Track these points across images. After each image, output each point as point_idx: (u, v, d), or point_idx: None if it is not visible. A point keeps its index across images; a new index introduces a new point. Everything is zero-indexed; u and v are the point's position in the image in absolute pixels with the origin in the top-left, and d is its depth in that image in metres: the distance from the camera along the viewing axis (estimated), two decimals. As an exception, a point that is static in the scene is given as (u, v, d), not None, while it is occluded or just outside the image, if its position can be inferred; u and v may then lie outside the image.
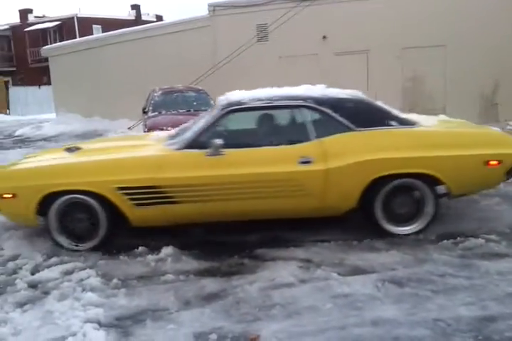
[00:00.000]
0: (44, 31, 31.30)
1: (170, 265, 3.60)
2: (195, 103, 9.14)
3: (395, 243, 3.82)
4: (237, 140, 4.02)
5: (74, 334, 2.64)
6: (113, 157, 4.10)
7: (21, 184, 3.88)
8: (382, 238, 3.92)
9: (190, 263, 3.62)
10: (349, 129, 3.91)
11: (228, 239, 4.17)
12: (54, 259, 3.77)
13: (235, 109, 4.03)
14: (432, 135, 4.07)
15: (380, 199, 3.89)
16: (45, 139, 11.77)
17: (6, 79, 25.52)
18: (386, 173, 3.81)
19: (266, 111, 4.21)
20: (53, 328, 2.74)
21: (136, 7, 35.40)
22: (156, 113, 8.75)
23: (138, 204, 3.86)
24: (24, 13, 33.48)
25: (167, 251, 3.80)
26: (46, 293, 3.20)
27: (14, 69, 32.35)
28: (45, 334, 2.69)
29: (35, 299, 3.12)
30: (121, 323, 2.81)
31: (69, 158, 4.23)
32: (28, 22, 32.63)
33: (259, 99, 4.07)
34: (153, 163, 3.88)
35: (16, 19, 33.82)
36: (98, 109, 13.41)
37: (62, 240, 3.96)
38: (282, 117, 4.27)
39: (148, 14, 37.01)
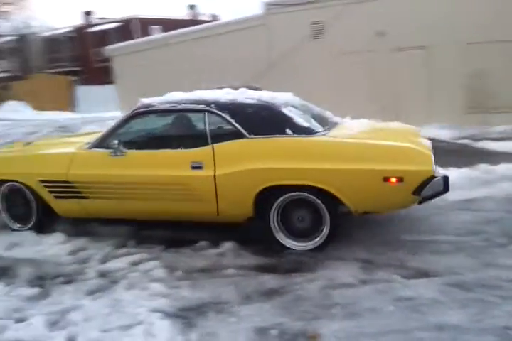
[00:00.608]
0: (106, 32, 32.63)
1: (230, 259, 3.67)
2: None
3: (459, 246, 3.71)
4: (138, 142, 4.21)
5: (141, 323, 2.76)
6: (39, 152, 4.62)
7: None
8: (447, 240, 3.81)
9: (250, 259, 3.67)
10: (242, 136, 3.77)
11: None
12: (121, 250, 3.97)
13: (142, 111, 4.13)
14: (326, 145, 3.70)
15: (276, 211, 3.75)
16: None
17: (72, 78, 26.79)
18: (272, 184, 3.64)
19: (171, 114, 4.32)
20: (121, 316, 2.88)
21: (192, 7, 36.15)
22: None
23: (56, 197, 4.28)
24: (87, 15, 35.04)
25: (227, 245, 3.88)
26: (115, 282, 3.36)
27: (79, 68, 33.92)
28: (114, 321, 2.83)
29: (104, 288, 3.29)
30: (185, 314, 2.91)
31: (15, 152, 4.88)
32: (91, 23, 34.11)
33: (167, 103, 4.14)
34: (66, 159, 4.22)
35: (79, 21, 35.46)
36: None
37: (8, 220, 4.56)
38: (185, 121, 4.35)
39: (204, 14, 37.72)
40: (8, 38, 34.22)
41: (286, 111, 3.93)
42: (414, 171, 3.45)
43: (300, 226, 3.78)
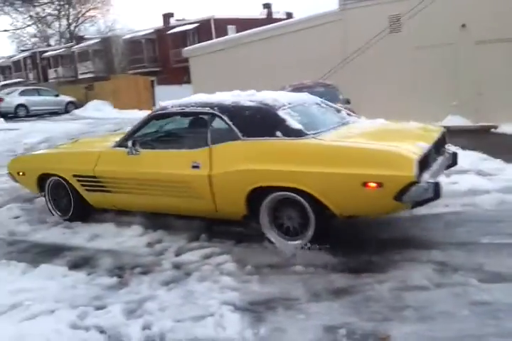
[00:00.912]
0: (184, 33, 33.72)
1: (300, 257, 3.67)
2: (323, 98, 9.13)
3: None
4: (151, 142, 4.55)
5: (212, 315, 2.85)
6: (75, 150, 5.33)
7: (27, 166, 5.29)
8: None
9: (320, 257, 3.65)
10: (237, 138, 3.92)
11: (359, 236, 4.13)
12: (194, 244, 4.10)
13: (157, 114, 4.55)
14: (309, 148, 3.72)
15: (265, 210, 3.87)
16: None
17: (151, 78, 28.00)
18: (261, 185, 3.75)
19: (180, 116, 4.68)
20: (193, 307, 2.99)
21: (267, 6, 36.37)
22: (286, 109, 8.94)
23: (87, 190, 4.75)
24: (167, 17, 36.42)
25: (297, 243, 3.88)
26: (188, 274, 3.48)
27: (158, 69, 35.37)
28: (186, 312, 2.94)
29: (178, 279, 3.42)
30: (255, 308, 2.96)
31: (60, 149, 5.66)
32: (170, 25, 35.39)
33: (180, 105, 4.41)
34: (95, 157, 4.65)
35: (159, 23, 36.92)
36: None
37: (51, 209, 5.14)
38: (191, 123, 4.86)
39: (279, 12, 37.79)
40: (93, 41, 36.46)
41: (281, 113, 3.99)
42: (393, 176, 3.35)
43: (289, 225, 3.86)
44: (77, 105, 24.46)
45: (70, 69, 40.28)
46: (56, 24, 45.80)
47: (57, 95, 23.37)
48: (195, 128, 4.63)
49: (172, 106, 4.46)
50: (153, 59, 36.35)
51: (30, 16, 33.88)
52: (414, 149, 3.55)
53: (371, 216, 4.04)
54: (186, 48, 18.08)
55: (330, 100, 8.91)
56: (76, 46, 38.72)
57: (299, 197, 3.70)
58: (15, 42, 49.17)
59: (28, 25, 37.17)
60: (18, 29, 31.75)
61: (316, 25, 11.84)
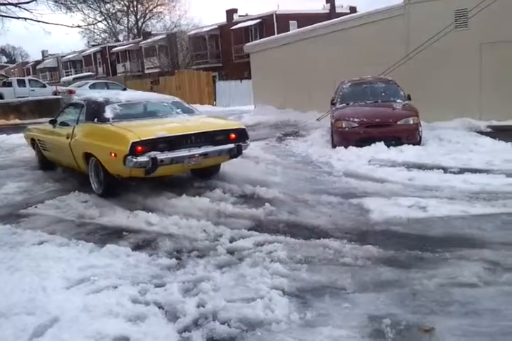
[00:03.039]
0: (246, 29, 34.03)
1: (349, 250, 3.76)
2: (383, 94, 9.06)
3: None
4: (61, 121, 6.94)
5: (262, 298, 3.01)
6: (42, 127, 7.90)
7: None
8: None
9: (369, 251, 3.73)
10: (83, 121, 6.18)
11: (411, 231, 4.15)
12: (248, 231, 4.29)
13: (68, 103, 7.62)
14: (99, 129, 5.80)
15: (91, 167, 5.86)
16: (243, 128, 12.80)
17: (213, 74, 28.59)
18: (83, 150, 5.86)
19: (76, 106, 6.81)
20: (245, 290, 3.17)
21: (330, 0, 35.91)
22: (344, 104, 8.93)
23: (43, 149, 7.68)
24: (230, 13, 36.88)
25: (348, 236, 3.98)
26: (240, 259, 3.68)
27: (220, 65, 35.99)
28: (238, 293, 3.13)
29: (231, 263, 3.62)
30: (302, 294, 3.10)
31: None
32: (233, 21, 35.84)
33: (82, 99, 7.07)
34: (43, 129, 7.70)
35: (223, 19, 37.47)
36: (291, 101, 14.18)
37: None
38: (77, 110, 6.57)
39: (342, 6, 37.22)
40: (160, 37, 37.62)
41: (106, 107, 6.02)
42: (119, 150, 5.12)
43: (98, 179, 5.82)
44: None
45: (137, 64, 41.88)
46: (125, 20, 47.80)
47: (124, 89, 24.37)
48: (77, 114, 6.48)
49: (78, 99, 7.28)
50: (215, 54, 37.00)
51: (101, 12, 35.43)
52: (145, 135, 5.17)
53: (125, 176, 5.49)
54: (247, 44, 18.30)
55: (391, 95, 8.89)
56: (143, 42, 40.14)
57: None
58: (86, 37, 51.86)
59: (99, 21, 38.85)
60: (89, 25, 33.32)
61: (379, 20, 11.63)
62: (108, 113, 5.89)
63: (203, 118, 6.30)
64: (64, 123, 6.69)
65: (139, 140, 5.06)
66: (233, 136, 5.81)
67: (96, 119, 5.93)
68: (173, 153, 5.25)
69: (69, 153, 6.25)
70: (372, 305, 2.92)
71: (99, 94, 6.88)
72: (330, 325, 2.71)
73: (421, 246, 3.79)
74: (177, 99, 7.00)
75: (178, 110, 6.37)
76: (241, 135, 5.90)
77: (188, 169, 5.97)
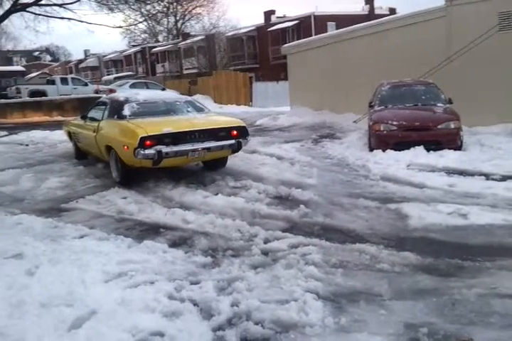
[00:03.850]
0: (284, 30, 33.98)
1: (386, 256, 3.70)
2: (423, 97, 8.87)
3: None
4: (90, 117, 7.73)
5: (296, 300, 3.00)
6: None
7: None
8: None
9: (407, 258, 3.66)
10: (106, 118, 6.95)
11: (451, 239, 4.05)
12: (283, 233, 4.29)
13: (97, 101, 8.04)
14: (117, 124, 6.52)
15: (112, 158, 6.57)
16: (279, 129, 12.76)
17: (250, 75, 28.72)
18: (106, 143, 6.65)
19: (102, 104, 7.61)
20: (279, 291, 3.17)
21: (369, 1, 35.45)
22: (382, 107, 8.79)
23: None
24: (268, 14, 36.91)
25: (386, 242, 3.92)
26: (275, 260, 3.67)
27: (257, 66, 36.08)
28: (272, 294, 3.13)
29: (265, 264, 3.62)
30: (337, 299, 3.07)
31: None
32: (271, 22, 35.88)
33: (107, 97, 8.05)
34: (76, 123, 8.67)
35: (261, 20, 37.56)
36: (327, 103, 14.07)
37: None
38: (104, 108, 7.27)
39: (381, 8, 36.68)
40: (198, 38, 38.08)
41: (125, 105, 6.80)
42: (130, 143, 5.87)
43: (117, 169, 6.52)
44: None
45: (175, 64, 42.50)
46: (165, 21, 48.59)
47: (163, 89, 24.81)
48: (102, 111, 7.24)
49: (105, 97, 8.04)
50: (253, 56, 37.12)
51: (142, 13, 36.16)
52: (153, 131, 5.88)
53: (137, 165, 6.11)
54: (285, 45, 18.28)
55: (431, 99, 8.70)
56: (182, 42, 40.70)
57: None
58: (127, 37, 52.97)
59: (140, 22, 39.65)
60: (130, 25, 34.06)
61: (419, 22, 11.38)
62: (126, 111, 6.69)
63: (209, 117, 7.03)
64: (93, 119, 7.46)
65: (146, 135, 5.79)
66: (235, 132, 6.43)
67: (116, 116, 6.71)
68: (178, 147, 5.95)
69: (95, 145, 7.11)
70: (409, 313, 2.86)
71: (122, 94, 8.34)
72: (365, 332, 2.68)
73: (461, 254, 3.69)
74: (190, 98, 7.89)
75: (189, 109, 7.12)
76: (242, 132, 6.54)
77: (193, 161, 6.75)
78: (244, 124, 6.72)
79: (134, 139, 5.78)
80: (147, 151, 5.74)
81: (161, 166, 6.06)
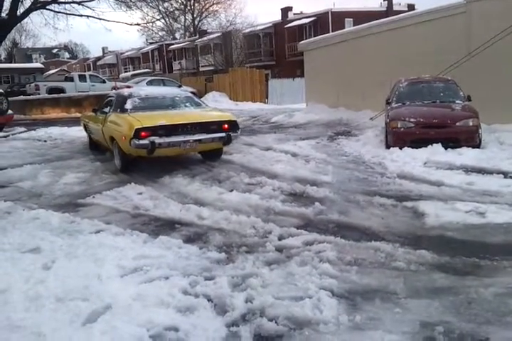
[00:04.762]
0: (300, 27, 33.84)
1: (402, 254, 3.66)
2: (441, 94, 8.75)
3: None
4: (100, 110, 8.38)
5: (310, 297, 2.99)
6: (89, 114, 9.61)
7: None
8: None
9: (423, 256, 3.61)
10: (111, 111, 7.57)
11: (468, 238, 4.00)
12: (298, 230, 4.27)
13: (107, 96, 8.67)
14: (119, 117, 7.16)
15: (115, 147, 7.13)
16: (295, 126, 12.68)
17: (266, 71, 28.66)
18: (109, 135, 7.27)
19: (111, 97, 8.30)
20: (293, 288, 3.16)
21: (388, -3, 35.05)
22: (400, 104, 8.70)
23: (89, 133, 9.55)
24: (285, 11, 36.79)
25: (401, 240, 3.88)
26: (289, 257, 3.66)
27: (273, 63, 36.01)
28: (286, 291, 3.12)
29: (280, 261, 3.61)
30: (352, 297, 3.04)
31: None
32: (288, 19, 35.74)
33: (114, 93, 8.75)
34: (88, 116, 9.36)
35: (278, 17, 37.44)
36: (344, 100, 13.96)
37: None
38: (112, 102, 7.92)
39: (400, 4, 36.26)
40: (215, 35, 38.13)
41: (128, 100, 7.45)
42: (126, 135, 6.51)
43: (119, 158, 7.13)
44: (198, 96, 25.83)
45: (192, 61, 42.63)
46: (182, 18, 48.78)
47: (180, 86, 24.91)
48: (110, 105, 7.85)
49: (113, 93, 8.68)
50: (269, 53, 37.04)
51: (159, 11, 36.32)
52: (147, 123, 6.52)
53: (135, 154, 6.80)
54: (301, 42, 18.19)
55: (449, 96, 8.58)
56: (199, 40, 40.78)
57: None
58: (144, 35, 53.36)
59: (157, 19, 39.92)
60: (148, 23, 34.23)
61: (438, 18, 11.21)
62: (128, 105, 7.33)
63: (204, 111, 7.63)
64: (102, 112, 8.07)
65: (141, 127, 6.43)
66: (226, 126, 6.97)
67: (119, 110, 7.37)
68: (170, 138, 6.56)
69: (102, 136, 7.75)
70: (425, 312, 2.83)
71: (127, 89, 9.28)
72: (380, 329, 2.65)
73: (478, 253, 3.63)
74: (189, 94, 8.45)
75: (187, 104, 7.71)
76: (233, 126, 7.08)
77: (186, 152, 7.33)
78: (235, 119, 7.25)
79: (130, 130, 6.41)
80: (141, 141, 6.36)
81: (155, 155, 6.69)
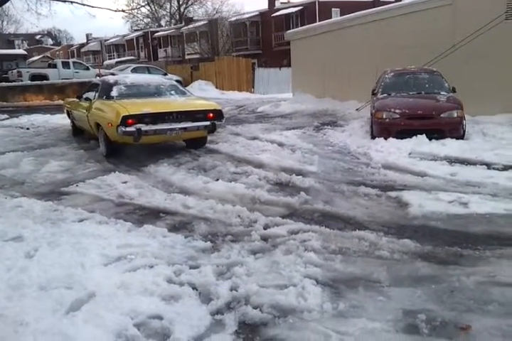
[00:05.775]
0: (287, 16, 33.59)
1: (385, 243, 3.70)
2: (427, 85, 8.80)
3: None
4: (84, 97, 8.49)
5: (294, 285, 3.00)
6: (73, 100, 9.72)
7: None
8: None
9: (406, 245, 3.65)
10: (96, 98, 7.65)
11: (451, 227, 4.04)
12: (283, 219, 4.28)
13: (91, 83, 8.96)
14: (104, 104, 7.26)
15: (101, 133, 7.27)
16: (281, 116, 12.66)
17: (252, 61, 28.46)
18: (95, 121, 7.38)
19: (95, 85, 8.40)
20: (278, 276, 3.17)
21: (376, -12, 34.92)
22: (385, 95, 8.73)
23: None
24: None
25: (385, 229, 3.91)
26: (274, 246, 3.67)
27: (260, 52, 35.77)
28: (271, 279, 3.13)
29: (265, 250, 3.62)
30: (336, 285, 3.07)
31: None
32: (275, 8, 35.43)
33: (99, 79, 9.05)
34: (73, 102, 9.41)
35: (264, 6, 37.09)
36: (330, 90, 13.97)
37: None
38: (97, 89, 8.01)
39: (388, -5, 36.15)
40: (201, 23, 37.68)
41: (113, 87, 7.57)
42: (113, 121, 6.60)
43: (104, 144, 7.25)
44: (183, 84, 25.61)
45: (177, 49, 42.14)
46: (167, 5, 48.07)
47: (165, 74, 24.63)
48: (95, 92, 7.94)
49: (98, 80, 8.84)
50: (256, 41, 36.75)
51: (145, -3, 35.73)
52: (134, 111, 6.62)
53: (121, 141, 6.92)
54: (289, 31, 18.08)
55: (434, 87, 8.62)
56: (184, 27, 40.26)
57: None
58: (129, 22, 52.55)
59: (142, 6, 39.36)
60: (133, 9, 33.78)
61: (424, 9, 11.22)
62: (114, 92, 7.47)
63: (189, 100, 7.75)
64: (87, 99, 8.16)
65: (128, 114, 6.52)
66: (211, 115, 7.11)
67: (105, 97, 7.48)
68: (156, 126, 6.68)
69: (87, 123, 7.82)
70: (408, 300, 2.86)
71: (112, 76, 9.19)
72: (363, 317, 2.68)
73: (460, 242, 3.69)
74: (174, 82, 8.56)
75: (172, 92, 7.86)
76: (217, 115, 7.23)
77: (172, 140, 7.53)
78: (220, 108, 7.39)
79: (117, 117, 6.49)
80: (128, 129, 6.47)
81: (141, 142, 6.86)
